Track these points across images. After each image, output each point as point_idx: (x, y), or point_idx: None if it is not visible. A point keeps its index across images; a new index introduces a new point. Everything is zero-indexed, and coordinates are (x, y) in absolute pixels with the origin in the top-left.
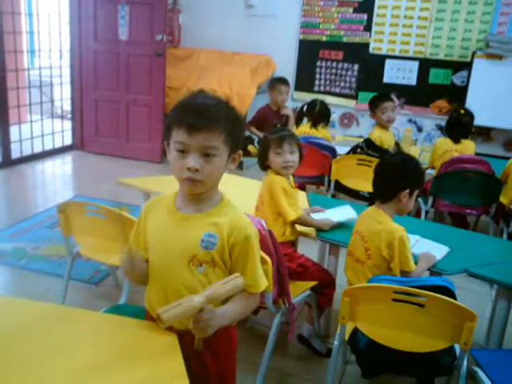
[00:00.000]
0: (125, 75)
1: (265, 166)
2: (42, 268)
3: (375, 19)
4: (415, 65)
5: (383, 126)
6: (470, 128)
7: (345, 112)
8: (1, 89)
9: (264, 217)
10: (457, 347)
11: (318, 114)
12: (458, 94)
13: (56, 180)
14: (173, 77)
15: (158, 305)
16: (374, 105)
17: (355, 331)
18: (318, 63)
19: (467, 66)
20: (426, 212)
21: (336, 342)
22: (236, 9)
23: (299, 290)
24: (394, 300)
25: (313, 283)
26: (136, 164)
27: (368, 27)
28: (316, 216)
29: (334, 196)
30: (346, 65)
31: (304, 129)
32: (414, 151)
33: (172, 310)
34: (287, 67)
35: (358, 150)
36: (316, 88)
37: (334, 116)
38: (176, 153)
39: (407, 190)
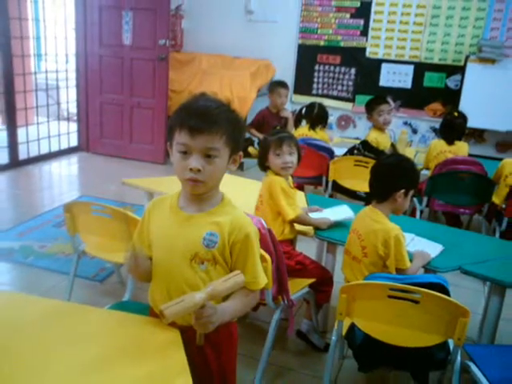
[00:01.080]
0: (129, 79)
1: (264, 166)
2: (48, 265)
3: (371, 24)
4: (410, 69)
5: (379, 128)
6: (463, 130)
7: (342, 114)
8: (9, 92)
9: (264, 216)
10: (450, 342)
11: (316, 117)
12: (451, 97)
13: (62, 180)
14: (175, 80)
15: (161, 301)
16: (370, 107)
17: (352, 327)
18: (316, 67)
19: (461, 69)
20: (421, 211)
21: (333, 338)
22: (236, 14)
23: (298, 287)
24: (390, 297)
25: (311, 280)
26: (139, 165)
27: (364, 32)
28: (314, 215)
29: (331, 196)
30: (343, 69)
31: (303, 131)
32: (409, 152)
33: (174, 307)
34: (286, 71)
35: (355, 152)
36: (314, 91)
37: (332, 118)
38: (178, 154)
39: (402, 190)
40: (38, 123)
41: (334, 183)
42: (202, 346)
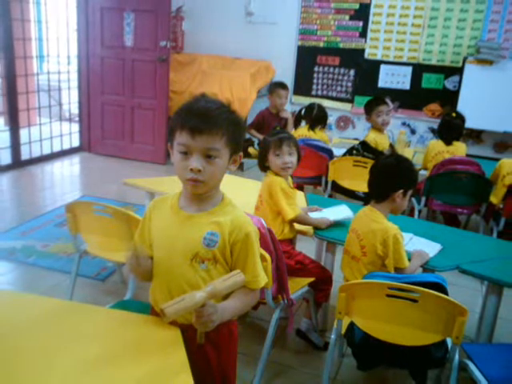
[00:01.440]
0: (130, 80)
1: (264, 167)
2: (50, 265)
3: (370, 26)
4: (409, 70)
5: (378, 128)
6: (461, 130)
7: (341, 115)
8: (11, 93)
9: (264, 216)
10: (449, 341)
11: (316, 117)
12: (449, 98)
13: (64, 180)
14: (176, 81)
15: (161, 300)
16: (369, 108)
17: (351, 325)
18: (316, 68)
19: (459, 70)
20: (419, 211)
21: (333, 336)
22: (237, 16)
23: (297, 286)
24: (389, 296)
25: (310, 279)
26: (141, 165)
27: (363, 34)
28: (314, 215)
29: (330, 196)
30: (342, 70)
31: (302, 131)
32: (407, 153)
33: (175, 305)
34: (286, 72)
35: (354, 152)
36: (314, 92)
37: (331, 119)
38: (179, 154)
39: (401, 190)
40: (40, 124)
41: (334, 183)
42: (203, 344)
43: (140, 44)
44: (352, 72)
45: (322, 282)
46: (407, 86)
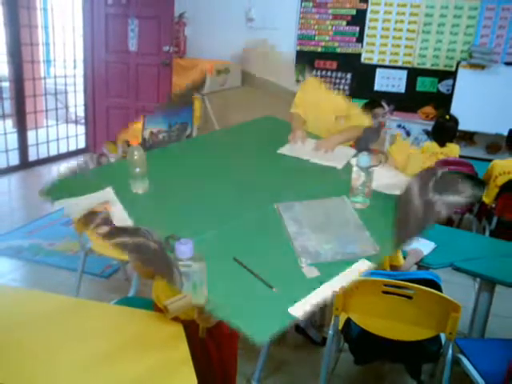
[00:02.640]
0: (134, 84)
1: None
2: (57, 263)
3: (367, 31)
4: (404, 74)
5: None
6: (454, 132)
7: None
8: (19, 96)
9: None
10: (442, 336)
11: None
12: (443, 101)
13: None
14: (178, 85)
15: (164, 297)
16: (365, 111)
17: (348, 321)
18: (314, 72)
19: (452, 74)
20: None
21: (330, 332)
22: (237, 22)
23: None
24: (384, 292)
25: None
26: None
27: (360, 39)
28: None
29: None
30: (339, 74)
31: None
32: None
33: (178, 302)
34: None
35: None
36: None
37: None
38: None
39: None
40: (47, 126)
41: None
42: (204, 339)
43: (144, 49)
44: (349, 76)
45: None
46: (402, 90)
